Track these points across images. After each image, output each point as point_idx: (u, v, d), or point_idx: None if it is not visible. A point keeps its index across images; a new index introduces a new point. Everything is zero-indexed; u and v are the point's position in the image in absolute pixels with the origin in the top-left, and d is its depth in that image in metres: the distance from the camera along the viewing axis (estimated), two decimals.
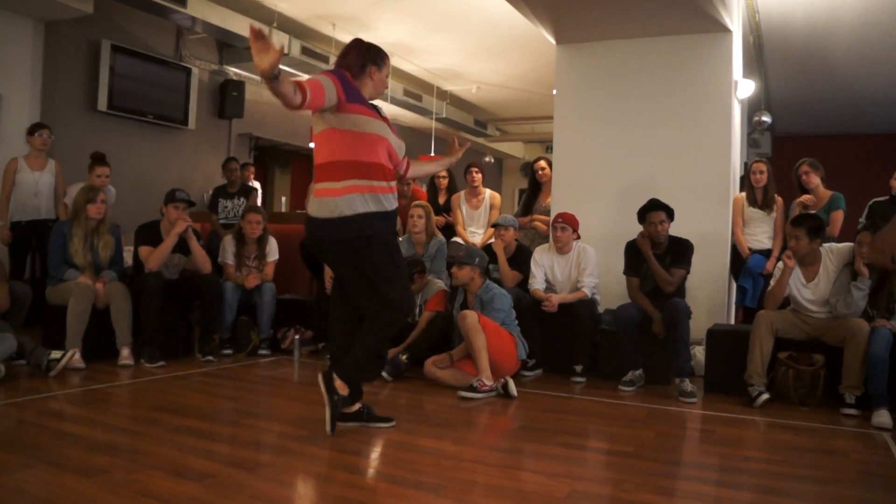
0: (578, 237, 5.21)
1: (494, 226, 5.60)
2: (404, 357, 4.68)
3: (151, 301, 4.85)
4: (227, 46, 8.51)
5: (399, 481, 2.66)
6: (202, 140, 8.47)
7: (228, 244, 5.56)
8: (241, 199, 6.72)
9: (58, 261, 4.84)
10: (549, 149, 12.24)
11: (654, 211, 4.77)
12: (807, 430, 3.71)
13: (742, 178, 6.18)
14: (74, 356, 4.45)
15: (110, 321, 4.79)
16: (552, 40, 6.22)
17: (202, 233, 5.79)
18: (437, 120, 11.51)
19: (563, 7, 5.51)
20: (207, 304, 5.22)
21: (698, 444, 3.65)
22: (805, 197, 5.45)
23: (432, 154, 11.44)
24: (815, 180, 5.49)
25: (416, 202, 5.83)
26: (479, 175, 6.47)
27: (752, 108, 8.78)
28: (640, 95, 5.92)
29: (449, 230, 6.44)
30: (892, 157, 11.35)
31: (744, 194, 5.69)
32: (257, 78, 9.12)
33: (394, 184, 3.30)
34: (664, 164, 5.79)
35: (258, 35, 2.52)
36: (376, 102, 3.38)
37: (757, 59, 8.17)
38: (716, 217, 5.66)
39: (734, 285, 5.72)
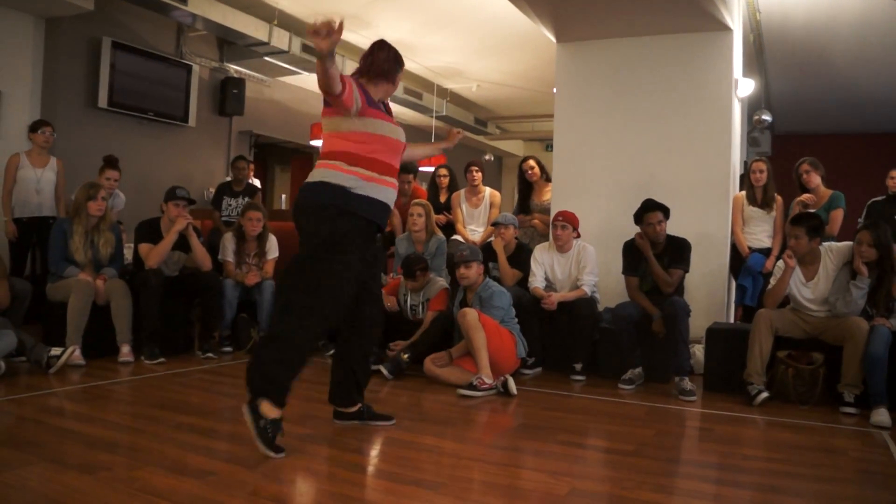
0: (578, 235, 5.21)
1: (494, 224, 5.60)
2: (405, 356, 4.69)
3: (151, 298, 4.86)
4: (228, 44, 8.50)
5: (399, 479, 2.66)
6: (202, 137, 8.46)
7: (228, 241, 5.55)
8: (246, 199, 6.72)
9: (58, 257, 4.84)
10: (548, 147, 12.28)
11: (650, 212, 4.77)
12: (806, 428, 3.71)
13: (742, 177, 6.19)
14: (74, 353, 4.46)
15: (110, 318, 4.79)
16: (553, 38, 6.22)
17: (203, 230, 5.79)
18: (438, 118, 11.50)
19: (564, 5, 5.51)
20: (207, 302, 5.23)
21: (698, 443, 3.66)
22: (805, 196, 5.46)
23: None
24: (815, 179, 5.50)
25: (416, 200, 5.84)
26: (479, 174, 6.47)
27: (752, 106, 8.78)
28: (640, 94, 5.92)
29: (449, 228, 6.45)
30: (893, 156, 11.37)
31: (744, 193, 5.69)
32: (258, 75, 9.13)
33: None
34: (664, 162, 5.79)
35: (329, 27, 2.65)
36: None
37: (757, 57, 8.17)
38: (715, 216, 5.67)
39: (734, 284, 5.73)
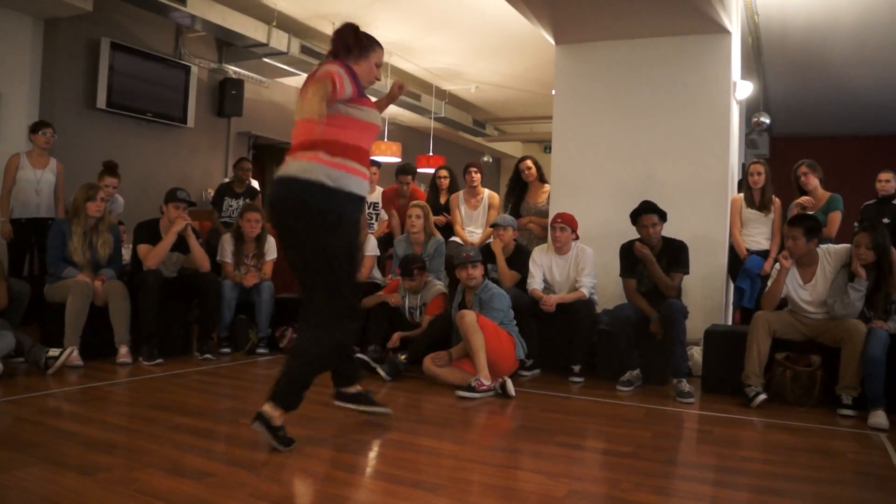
0: (577, 237, 5.22)
1: (493, 226, 5.61)
2: (403, 357, 4.69)
3: (150, 299, 4.86)
4: (227, 45, 8.51)
5: (397, 480, 2.67)
6: (201, 138, 8.47)
7: (227, 243, 5.56)
8: (247, 200, 6.73)
9: (56, 258, 4.84)
10: (547, 149, 12.29)
11: (646, 214, 4.77)
12: (804, 430, 3.72)
13: (740, 180, 6.20)
14: (72, 354, 4.46)
15: (108, 319, 4.79)
16: (551, 40, 6.22)
17: (202, 231, 5.79)
18: (436, 119, 11.51)
19: (563, 7, 5.52)
20: (206, 303, 5.23)
21: (695, 445, 3.66)
22: (803, 198, 5.47)
23: (430, 154, 11.43)
24: (813, 181, 5.51)
25: (415, 202, 5.85)
26: (478, 175, 6.47)
27: (750, 109, 8.79)
28: (638, 96, 5.93)
29: (448, 230, 6.45)
30: (890, 158, 11.39)
31: (742, 195, 5.70)
32: (256, 76, 9.14)
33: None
34: (663, 164, 5.80)
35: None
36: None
37: (755, 60, 8.18)
38: (714, 218, 5.67)
39: (732, 286, 5.73)
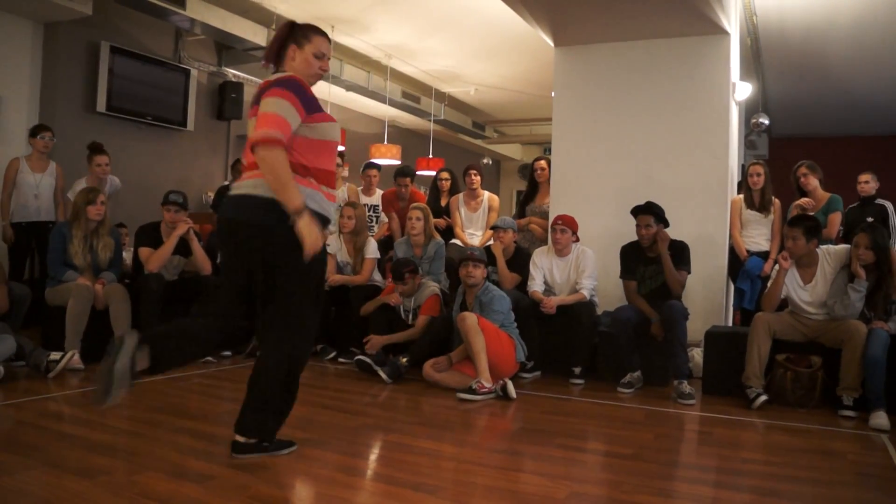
0: (577, 239, 5.22)
1: (493, 228, 5.61)
2: (404, 360, 4.69)
3: (151, 302, 4.86)
4: (226, 48, 8.51)
5: (398, 483, 2.66)
6: (201, 141, 8.47)
7: None
8: None
9: (57, 262, 4.84)
10: (547, 150, 12.29)
11: (641, 214, 4.79)
12: (804, 431, 3.72)
13: (740, 181, 6.20)
14: (73, 357, 4.45)
15: (109, 322, 4.79)
16: (550, 42, 6.23)
17: (202, 234, 5.79)
18: (436, 122, 11.52)
19: (562, 9, 5.53)
20: None
21: (696, 446, 3.66)
22: (803, 200, 5.48)
23: (430, 156, 11.44)
24: (813, 182, 5.52)
25: (415, 204, 5.85)
26: (478, 177, 6.48)
27: (749, 110, 8.80)
28: (638, 97, 5.93)
29: (448, 232, 6.45)
30: (889, 158, 11.41)
31: (741, 196, 5.71)
32: (256, 79, 9.13)
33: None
34: (662, 166, 5.80)
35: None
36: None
37: (754, 61, 8.19)
38: (714, 219, 5.68)
39: (732, 287, 5.73)
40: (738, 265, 5.53)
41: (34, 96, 6.79)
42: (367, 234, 5.75)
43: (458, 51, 9.12)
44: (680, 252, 4.80)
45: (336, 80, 9.06)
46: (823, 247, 4.45)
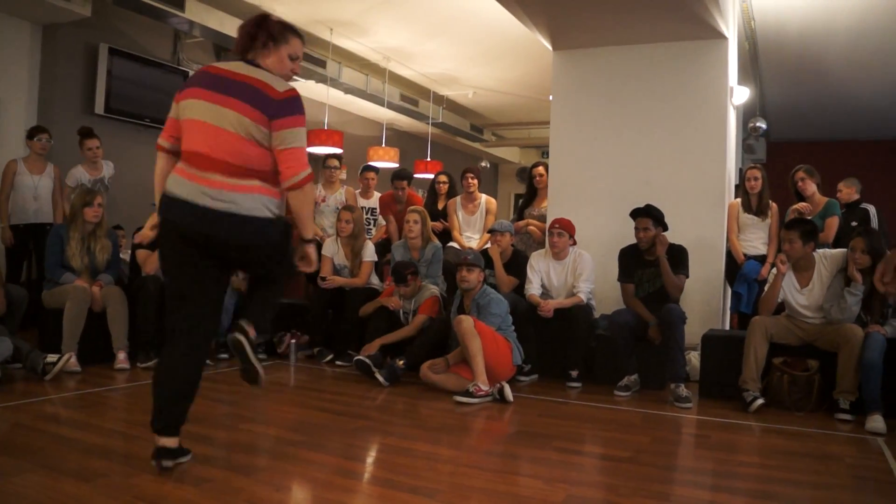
0: (575, 243, 5.23)
1: (491, 231, 5.61)
2: (401, 362, 4.69)
3: (148, 305, 4.86)
4: (225, 50, 8.51)
5: (395, 486, 2.67)
6: None
7: None
8: None
9: (54, 264, 4.84)
10: (545, 154, 12.30)
11: (639, 217, 4.79)
12: (801, 435, 3.72)
13: (737, 185, 6.21)
14: (70, 360, 4.45)
15: (107, 325, 4.79)
16: (548, 46, 6.24)
17: None
18: (434, 125, 11.53)
19: (560, 13, 5.54)
20: None
21: (693, 450, 3.67)
22: (800, 205, 5.48)
23: (428, 159, 11.45)
24: (811, 187, 5.53)
25: (412, 207, 5.85)
26: (475, 181, 6.48)
27: (747, 114, 8.82)
28: (636, 101, 5.94)
29: (446, 235, 6.46)
30: (886, 163, 11.45)
31: (739, 200, 5.72)
32: None
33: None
34: (660, 169, 5.81)
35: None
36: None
37: (752, 65, 8.21)
38: (711, 223, 5.68)
39: (729, 291, 5.74)
40: (736, 269, 5.53)
41: (32, 98, 6.78)
42: (364, 238, 5.75)
43: (456, 54, 9.13)
44: (678, 256, 4.81)
45: (334, 83, 9.07)
46: (820, 251, 4.46)
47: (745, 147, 10.29)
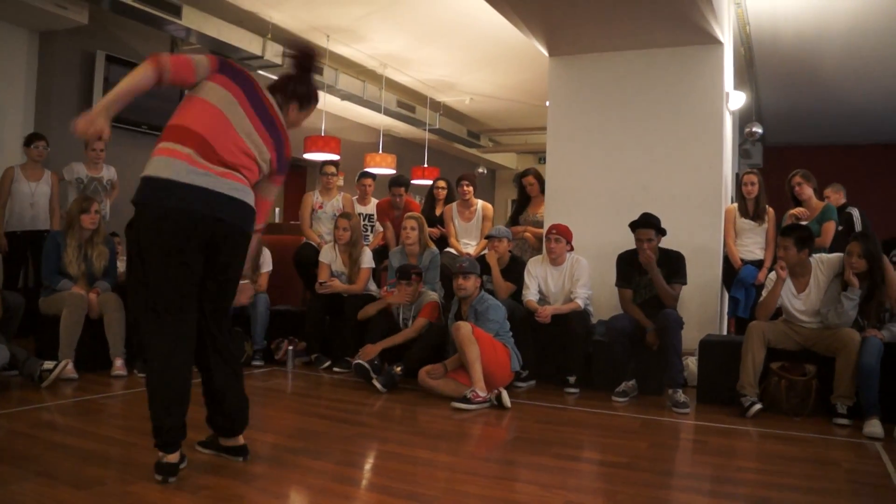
0: (572, 248, 5.23)
1: (488, 237, 5.62)
2: (398, 368, 4.68)
3: None
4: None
5: (393, 492, 2.66)
6: None
7: None
8: None
9: (51, 270, 4.84)
10: (541, 160, 12.32)
11: (641, 228, 4.78)
12: (799, 440, 3.72)
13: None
14: (67, 367, 4.44)
15: (103, 332, 4.78)
16: (545, 52, 6.26)
17: None
18: (431, 131, 11.55)
19: (556, 19, 5.55)
20: None
21: (691, 455, 3.66)
22: (797, 210, 5.50)
23: (425, 166, 11.46)
24: (807, 191, 5.54)
25: (410, 214, 5.85)
26: (470, 188, 6.48)
27: (743, 119, 8.84)
28: (632, 107, 5.96)
29: (443, 241, 6.46)
30: (882, 167, 11.48)
31: (736, 205, 5.72)
32: None
33: None
34: (657, 175, 5.82)
35: None
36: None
37: (748, 70, 8.24)
38: (708, 228, 5.69)
39: (726, 296, 5.75)
40: (733, 274, 5.54)
41: (29, 105, 6.79)
42: (362, 245, 5.75)
43: (453, 60, 9.15)
44: (675, 263, 4.81)
45: (331, 90, 9.08)
46: (817, 255, 4.47)
47: (742, 152, 10.32)
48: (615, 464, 3.21)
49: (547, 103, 6.41)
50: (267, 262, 5.65)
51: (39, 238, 5.51)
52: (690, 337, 4.92)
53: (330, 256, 5.66)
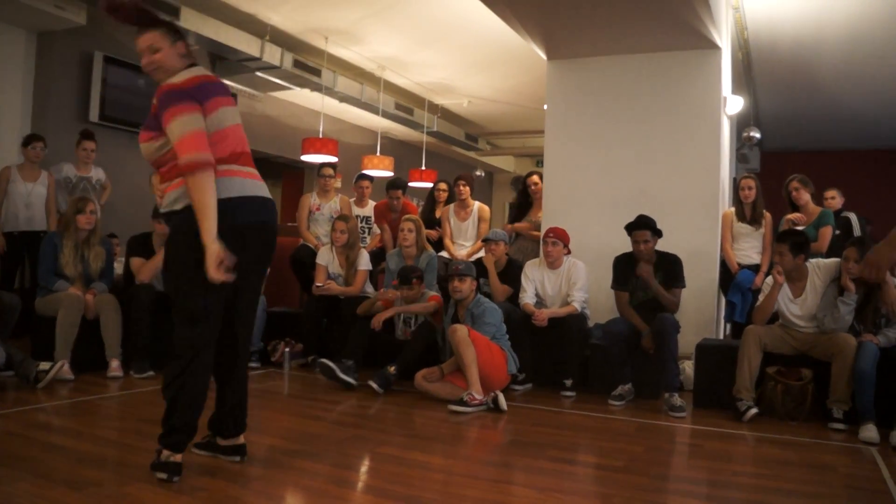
0: (569, 252, 5.24)
1: (485, 240, 5.62)
2: (392, 368, 4.68)
3: (142, 313, 4.85)
4: (220, 59, 8.51)
5: (389, 495, 2.66)
6: None
7: None
8: None
9: (48, 271, 4.83)
10: (539, 163, 12.32)
11: (638, 230, 4.79)
12: (795, 444, 3.73)
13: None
14: (63, 367, 4.43)
15: (100, 332, 4.77)
16: (543, 56, 6.27)
17: None
18: (429, 134, 11.54)
19: (554, 23, 5.56)
20: None
21: (687, 459, 3.67)
22: (794, 215, 5.51)
23: (423, 168, 11.46)
24: (805, 196, 5.55)
25: (407, 216, 5.85)
26: (467, 188, 6.49)
27: (741, 123, 8.85)
28: (630, 111, 5.97)
29: (441, 244, 6.46)
30: (879, 172, 11.50)
31: (733, 209, 5.73)
32: (249, 90, 9.16)
33: None
34: (654, 179, 5.83)
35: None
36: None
37: (745, 75, 8.25)
38: (705, 232, 5.70)
39: (723, 300, 5.75)
40: (730, 278, 5.55)
41: (27, 106, 6.77)
42: (359, 247, 5.75)
43: (451, 63, 9.15)
44: (673, 268, 4.82)
45: (329, 92, 9.08)
46: (813, 260, 4.48)
47: (739, 156, 10.33)
48: (611, 467, 3.21)
49: (545, 107, 6.42)
50: None
51: (36, 239, 5.50)
52: (687, 341, 4.92)
53: (327, 258, 5.66)
